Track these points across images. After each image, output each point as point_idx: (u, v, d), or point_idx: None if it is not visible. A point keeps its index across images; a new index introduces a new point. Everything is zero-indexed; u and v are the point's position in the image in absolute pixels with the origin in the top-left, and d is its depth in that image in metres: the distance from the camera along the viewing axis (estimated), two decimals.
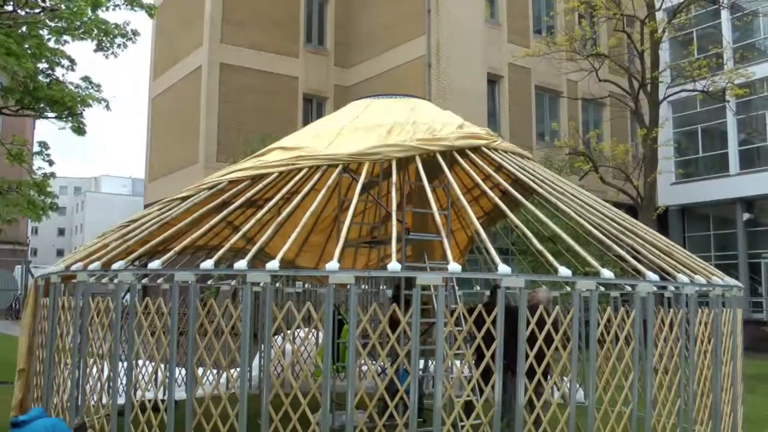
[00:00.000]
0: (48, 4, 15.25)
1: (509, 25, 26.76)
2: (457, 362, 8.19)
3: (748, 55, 25.00)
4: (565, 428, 6.29)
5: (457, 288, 11.85)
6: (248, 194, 7.71)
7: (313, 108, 27.87)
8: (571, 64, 23.45)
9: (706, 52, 24.82)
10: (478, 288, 12.46)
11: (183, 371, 8.25)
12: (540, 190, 8.11)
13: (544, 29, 27.15)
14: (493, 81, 26.17)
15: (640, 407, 6.70)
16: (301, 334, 8.70)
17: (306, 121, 24.95)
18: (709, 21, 28.14)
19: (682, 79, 23.51)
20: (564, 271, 6.22)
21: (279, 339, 10.33)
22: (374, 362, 7.41)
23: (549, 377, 7.20)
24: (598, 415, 6.51)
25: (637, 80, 21.40)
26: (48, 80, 17.10)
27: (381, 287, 10.72)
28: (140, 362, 9.40)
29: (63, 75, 17.77)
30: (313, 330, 10.36)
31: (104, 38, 16.43)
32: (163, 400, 6.56)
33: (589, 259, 6.65)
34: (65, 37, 16.00)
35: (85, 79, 18.05)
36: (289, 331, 7.28)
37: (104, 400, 7.29)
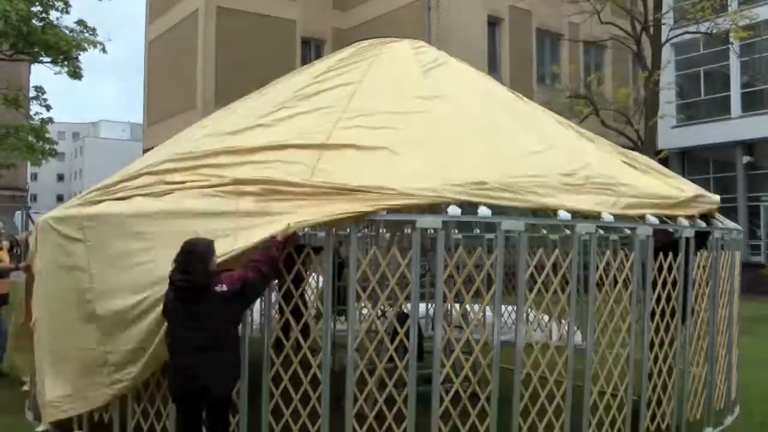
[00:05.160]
0: None
1: None
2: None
3: None
4: (563, 371, 6.37)
5: (457, 231, 11.90)
6: None
7: (311, 51, 27.56)
8: (573, 7, 23.09)
9: None
10: (478, 231, 12.47)
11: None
12: None
13: None
14: (493, 24, 25.82)
15: (637, 350, 6.78)
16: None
17: (304, 63, 24.69)
18: None
19: (685, 21, 23.18)
20: (563, 215, 6.21)
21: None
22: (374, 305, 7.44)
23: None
24: (595, 357, 6.59)
25: (639, 22, 21.12)
26: (42, 24, 16.93)
27: (380, 230, 10.73)
28: None
29: (57, 18, 17.61)
30: (313, 274, 10.43)
31: None
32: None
33: None
34: None
35: (80, 23, 17.86)
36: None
37: None
